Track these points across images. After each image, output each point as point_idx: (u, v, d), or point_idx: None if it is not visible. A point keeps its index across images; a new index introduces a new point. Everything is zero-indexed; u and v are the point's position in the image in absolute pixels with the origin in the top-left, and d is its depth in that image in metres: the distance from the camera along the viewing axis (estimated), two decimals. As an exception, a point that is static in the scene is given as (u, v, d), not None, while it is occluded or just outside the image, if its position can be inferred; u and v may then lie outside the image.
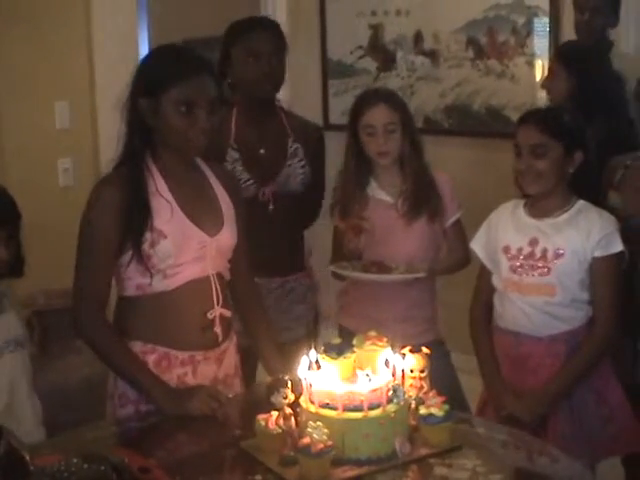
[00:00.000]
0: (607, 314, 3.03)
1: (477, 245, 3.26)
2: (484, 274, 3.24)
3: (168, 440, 2.53)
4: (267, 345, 2.91)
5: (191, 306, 2.70)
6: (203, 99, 2.63)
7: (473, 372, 3.26)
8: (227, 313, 2.78)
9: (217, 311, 2.74)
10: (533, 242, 3.06)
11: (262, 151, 3.55)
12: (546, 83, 4.19)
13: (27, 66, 4.54)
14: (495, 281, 3.17)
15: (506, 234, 3.14)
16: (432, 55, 5.47)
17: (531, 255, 3.06)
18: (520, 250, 3.08)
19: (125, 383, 2.70)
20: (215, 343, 2.76)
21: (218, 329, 2.75)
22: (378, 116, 3.41)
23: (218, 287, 2.75)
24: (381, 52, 5.70)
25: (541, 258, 3.04)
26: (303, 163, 3.58)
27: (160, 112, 2.64)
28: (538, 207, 3.10)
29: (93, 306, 2.66)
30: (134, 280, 2.68)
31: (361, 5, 5.72)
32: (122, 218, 2.61)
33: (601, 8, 4.55)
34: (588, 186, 3.12)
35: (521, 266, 3.07)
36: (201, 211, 2.73)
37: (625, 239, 3.03)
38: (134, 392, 2.69)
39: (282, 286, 3.60)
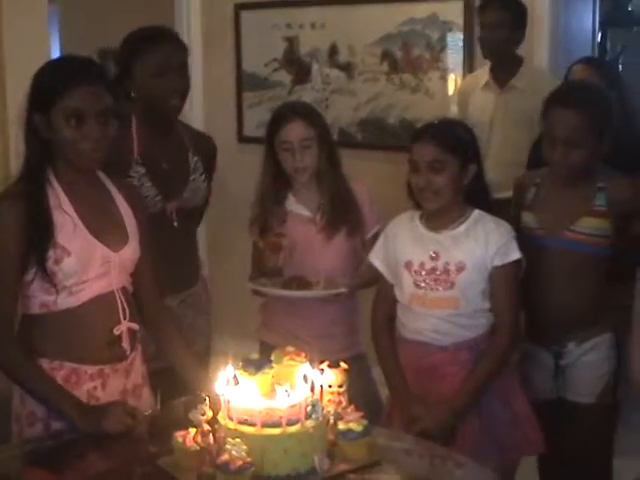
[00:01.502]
0: (508, 321, 3.08)
1: (376, 258, 3.25)
2: (384, 286, 3.24)
3: (82, 458, 2.48)
4: (185, 359, 2.86)
5: (97, 322, 2.67)
6: (92, 109, 2.58)
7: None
8: (134, 326, 2.75)
9: (124, 326, 2.71)
10: (434, 257, 3.07)
11: (164, 166, 3.41)
12: None
13: None
14: (398, 294, 3.17)
15: (406, 248, 3.14)
16: (347, 68, 5.47)
17: (434, 270, 3.07)
18: (422, 265, 3.09)
19: (33, 401, 2.64)
20: (123, 356, 2.73)
21: (125, 343, 2.72)
22: (294, 132, 3.39)
23: (124, 301, 2.72)
24: (296, 65, 5.69)
25: (444, 272, 3.06)
26: (204, 176, 3.51)
27: (52, 126, 2.59)
28: (435, 220, 3.12)
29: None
30: (38, 298, 2.63)
31: (276, 17, 5.70)
32: (23, 234, 2.56)
33: (503, 24, 4.61)
34: (483, 196, 3.15)
35: (424, 281, 3.08)
36: (104, 226, 2.69)
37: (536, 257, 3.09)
38: (43, 410, 2.63)
39: (184, 301, 3.50)
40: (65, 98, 2.56)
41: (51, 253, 2.56)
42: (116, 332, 2.69)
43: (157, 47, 3.35)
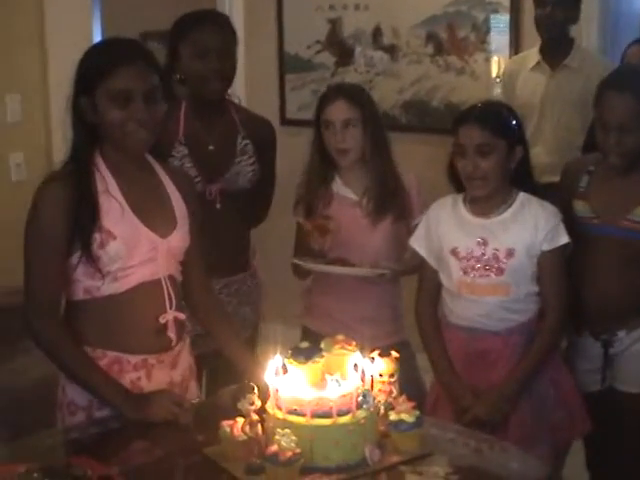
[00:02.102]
0: (557, 305, 3.05)
1: (417, 243, 3.20)
2: (427, 271, 3.19)
3: (128, 447, 2.45)
4: (234, 346, 2.81)
5: (142, 310, 2.61)
6: (138, 89, 2.53)
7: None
8: (181, 316, 2.69)
9: (170, 315, 2.64)
10: (482, 243, 3.03)
11: (211, 147, 3.43)
12: None
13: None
14: (444, 280, 3.13)
15: (451, 234, 3.09)
16: (391, 50, 5.42)
17: (482, 256, 3.02)
18: (470, 252, 3.04)
19: (74, 390, 2.60)
20: (169, 346, 2.67)
21: (171, 333, 2.65)
22: (336, 112, 3.36)
23: (170, 290, 2.65)
24: (339, 47, 5.63)
25: (493, 259, 3.01)
26: (253, 160, 3.47)
27: (98, 108, 2.54)
28: (481, 205, 3.07)
29: (45, 309, 2.56)
30: (82, 283, 2.58)
31: (319, -1, 5.65)
32: (69, 217, 2.51)
33: (563, 2, 4.53)
34: (529, 179, 3.10)
35: (473, 268, 3.03)
36: (152, 212, 2.63)
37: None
38: (84, 398, 2.59)
39: (227, 287, 3.47)
40: (110, 79, 2.52)
41: (96, 236, 2.51)
42: (162, 321, 2.63)
43: (199, 29, 3.37)
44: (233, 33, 3.48)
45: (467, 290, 3.05)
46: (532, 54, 4.75)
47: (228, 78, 3.45)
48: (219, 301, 3.00)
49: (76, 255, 2.54)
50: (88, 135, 2.59)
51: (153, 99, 2.57)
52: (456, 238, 3.08)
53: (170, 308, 2.64)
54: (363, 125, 3.36)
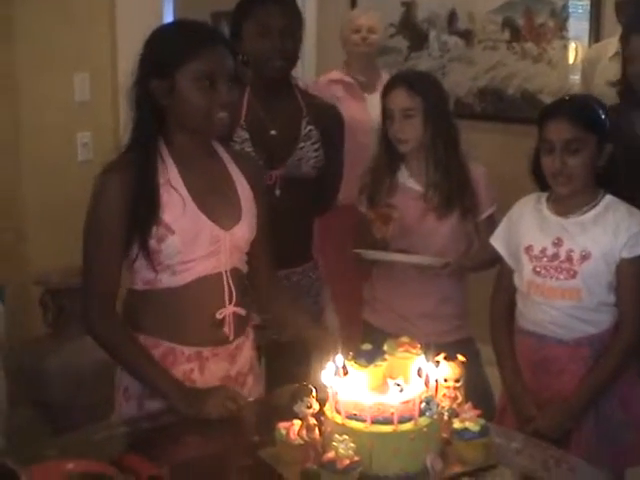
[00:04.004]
0: (633, 318, 2.89)
1: (497, 241, 3.10)
2: (505, 272, 3.08)
3: (180, 444, 2.36)
4: (312, 328, 2.71)
5: (200, 304, 2.53)
6: (224, 71, 2.47)
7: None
8: (240, 311, 2.60)
9: (228, 310, 2.56)
10: (557, 242, 2.90)
11: (273, 132, 3.33)
12: None
13: (46, 35, 4.41)
14: (517, 280, 3.02)
15: (528, 232, 2.98)
16: (466, 36, 5.33)
17: (555, 257, 2.90)
18: (544, 251, 2.92)
19: (128, 377, 2.55)
20: (225, 341, 2.59)
21: (228, 328, 2.57)
22: (396, 100, 3.29)
23: (232, 284, 2.57)
24: (413, 31, 5.56)
25: (566, 260, 2.88)
26: (317, 146, 3.36)
27: (176, 91, 2.46)
28: (563, 204, 2.94)
29: (103, 308, 2.50)
30: (141, 274, 2.52)
31: (394, -18, 5.54)
32: (128, 209, 2.44)
33: None
34: (616, 179, 2.94)
35: (545, 268, 2.91)
36: (217, 202, 2.55)
37: None
38: (137, 387, 2.54)
39: (287, 278, 3.33)
40: (195, 61, 2.44)
41: (154, 230, 2.44)
42: (219, 316, 2.55)
43: (262, 8, 3.31)
44: (297, 14, 3.39)
45: (537, 291, 2.93)
46: (613, 42, 4.58)
47: (291, 58, 3.36)
48: (286, 289, 2.92)
49: (135, 247, 2.47)
50: (154, 120, 2.51)
51: (233, 82, 2.50)
52: (532, 236, 2.96)
53: (229, 303, 2.56)
54: (424, 115, 3.27)
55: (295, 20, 3.37)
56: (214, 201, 2.54)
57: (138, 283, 2.54)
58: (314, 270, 3.50)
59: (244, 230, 2.59)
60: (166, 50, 2.49)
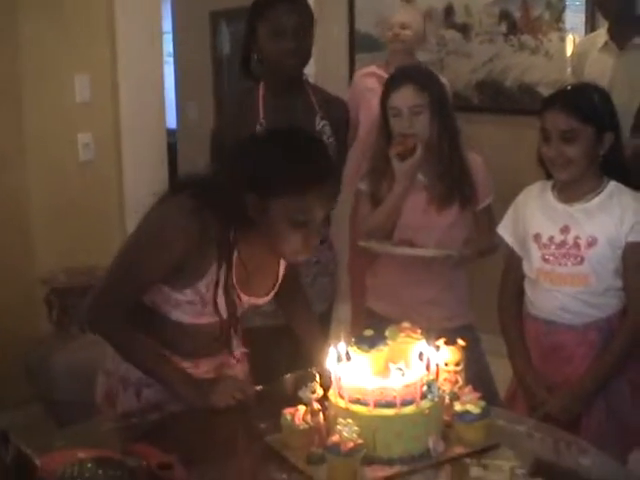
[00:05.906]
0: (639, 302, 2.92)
1: (504, 230, 3.14)
2: (513, 260, 3.11)
3: (188, 433, 2.39)
4: (311, 338, 2.73)
5: (203, 337, 2.56)
6: (322, 212, 2.37)
7: (505, 355, 3.13)
8: (242, 350, 2.69)
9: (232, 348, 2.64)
10: (564, 230, 2.94)
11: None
12: None
13: (47, 38, 4.46)
14: (526, 268, 3.05)
15: (535, 220, 3.01)
16: (463, 29, 5.35)
17: (563, 244, 2.94)
18: (551, 239, 2.96)
19: (126, 365, 2.55)
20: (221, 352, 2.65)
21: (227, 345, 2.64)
22: (404, 98, 3.29)
23: (238, 327, 2.62)
24: (410, 25, 5.54)
25: (573, 247, 2.92)
26: (331, 140, 3.45)
27: (269, 214, 2.34)
28: (568, 191, 2.97)
29: (115, 306, 2.47)
30: (154, 297, 2.49)
31: (391, -24, 5.55)
32: (185, 251, 2.38)
33: None
34: (620, 167, 2.98)
35: (553, 255, 2.95)
36: (255, 280, 2.53)
37: None
38: (136, 375, 2.54)
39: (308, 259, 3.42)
40: (297, 199, 2.32)
41: (184, 285, 2.44)
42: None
43: (275, 9, 3.38)
44: (309, 12, 3.47)
45: (546, 279, 2.97)
46: (601, 34, 4.58)
47: (304, 57, 3.46)
48: (303, 291, 2.89)
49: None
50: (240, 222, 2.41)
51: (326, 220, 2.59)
52: (539, 224, 3.00)
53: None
54: (431, 110, 3.29)
55: (307, 19, 3.45)
56: (254, 279, 2.53)
57: (146, 300, 2.51)
58: (329, 250, 3.60)
59: (268, 299, 2.63)
60: (270, 173, 2.33)
